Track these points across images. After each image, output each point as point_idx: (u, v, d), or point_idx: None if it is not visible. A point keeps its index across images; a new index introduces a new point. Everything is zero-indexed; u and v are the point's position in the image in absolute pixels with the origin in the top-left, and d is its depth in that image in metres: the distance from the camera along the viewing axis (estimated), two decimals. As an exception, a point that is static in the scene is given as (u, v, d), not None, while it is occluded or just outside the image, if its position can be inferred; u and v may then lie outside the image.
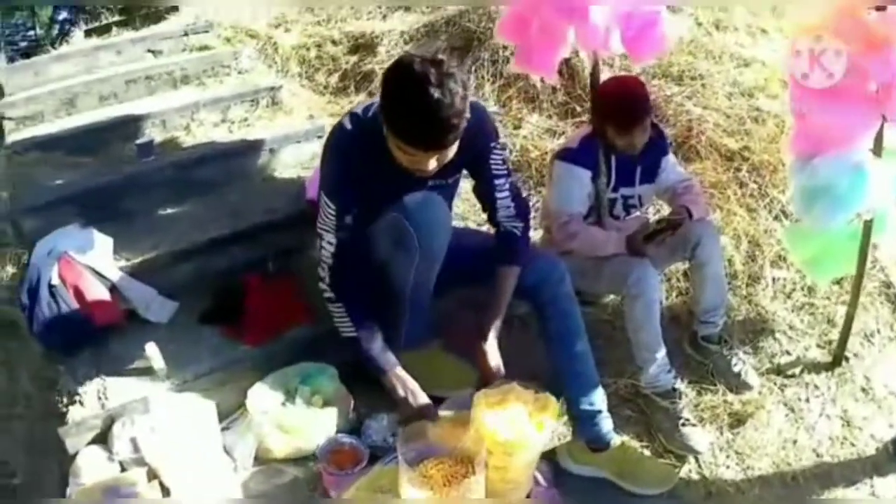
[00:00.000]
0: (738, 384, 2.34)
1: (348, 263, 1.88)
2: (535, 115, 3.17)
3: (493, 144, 1.96)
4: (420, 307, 1.94)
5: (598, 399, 2.06)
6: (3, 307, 2.38)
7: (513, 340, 2.31)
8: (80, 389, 2.07)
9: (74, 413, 2.02)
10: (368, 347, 1.88)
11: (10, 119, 2.90)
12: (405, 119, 1.60)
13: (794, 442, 2.26)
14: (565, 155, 2.33)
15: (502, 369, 1.92)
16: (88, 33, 3.56)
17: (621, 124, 2.23)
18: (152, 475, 1.88)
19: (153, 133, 2.83)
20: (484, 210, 2.07)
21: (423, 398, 1.87)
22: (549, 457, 2.10)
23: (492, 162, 1.96)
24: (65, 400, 2.07)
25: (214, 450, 1.95)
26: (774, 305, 2.60)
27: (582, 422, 2.06)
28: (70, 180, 2.60)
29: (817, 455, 2.24)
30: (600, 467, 2.06)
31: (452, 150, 1.70)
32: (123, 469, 1.93)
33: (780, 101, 3.04)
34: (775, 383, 2.41)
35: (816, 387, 2.42)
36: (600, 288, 2.38)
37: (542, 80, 3.19)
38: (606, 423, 2.07)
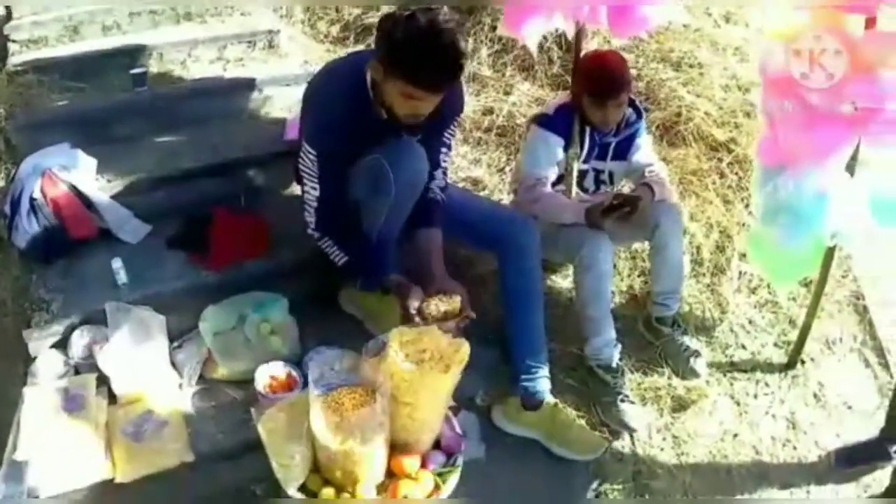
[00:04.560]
0: (685, 370, 2.35)
1: (332, 207, 1.96)
2: (527, 84, 3.16)
3: (457, 117, 2.06)
4: (386, 245, 2.00)
5: (541, 358, 2.12)
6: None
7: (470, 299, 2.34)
8: (48, 297, 2.18)
9: (39, 318, 2.13)
10: (362, 259, 1.98)
11: (14, 41, 2.95)
12: (419, 61, 1.68)
13: (735, 436, 2.25)
14: (540, 120, 2.37)
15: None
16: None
17: (596, 96, 2.25)
18: (101, 382, 1.98)
19: (150, 65, 2.88)
20: None
21: (415, 299, 1.85)
22: (485, 415, 2.16)
23: (449, 131, 2.05)
24: (33, 306, 2.18)
25: (163, 364, 2.05)
26: (737, 299, 2.59)
27: (520, 377, 2.11)
28: (64, 103, 2.68)
29: (756, 452, 2.23)
30: (531, 427, 2.11)
31: (438, 98, 1.78)
32: (78, 373, 2.04)
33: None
34: (724, 374, 2.40)
35: (767, 385, 2.40)
36: (556, 256, 2.42)
37: (539, 50, 3.17)
38: (543, 383, 2.12)
